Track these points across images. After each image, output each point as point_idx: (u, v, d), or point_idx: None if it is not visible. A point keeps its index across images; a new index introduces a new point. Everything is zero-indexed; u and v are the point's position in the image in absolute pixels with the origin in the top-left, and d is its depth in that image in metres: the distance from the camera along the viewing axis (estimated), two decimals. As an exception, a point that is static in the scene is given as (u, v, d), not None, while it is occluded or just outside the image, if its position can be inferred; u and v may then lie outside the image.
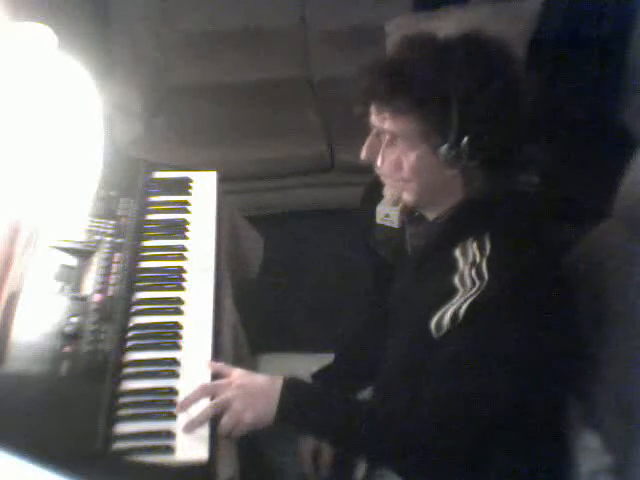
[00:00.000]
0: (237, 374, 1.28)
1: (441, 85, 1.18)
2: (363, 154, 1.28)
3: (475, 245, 1.23)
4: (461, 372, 1.19)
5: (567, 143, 2.72)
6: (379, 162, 1.28)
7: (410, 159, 1.24)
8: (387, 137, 1.25)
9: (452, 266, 1.23)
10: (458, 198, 1.27)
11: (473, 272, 1.20)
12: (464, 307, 1.18)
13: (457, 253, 1.24)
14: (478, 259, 1.21)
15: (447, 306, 1.20)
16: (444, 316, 1.20)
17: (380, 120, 1.25)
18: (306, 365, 1.59)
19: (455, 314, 1.19)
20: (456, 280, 1.22)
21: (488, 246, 1.21)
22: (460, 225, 1.27)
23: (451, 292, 1.21)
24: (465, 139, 1.19)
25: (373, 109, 1.27)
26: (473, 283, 1.19)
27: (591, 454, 1.32)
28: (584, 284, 1.38)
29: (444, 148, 1.20)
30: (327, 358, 1.64)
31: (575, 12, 3.06)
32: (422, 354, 1.24)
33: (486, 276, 1.19)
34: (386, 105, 1.23)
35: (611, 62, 3.09)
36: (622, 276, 1.33)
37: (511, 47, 1.26)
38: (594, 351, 1.33)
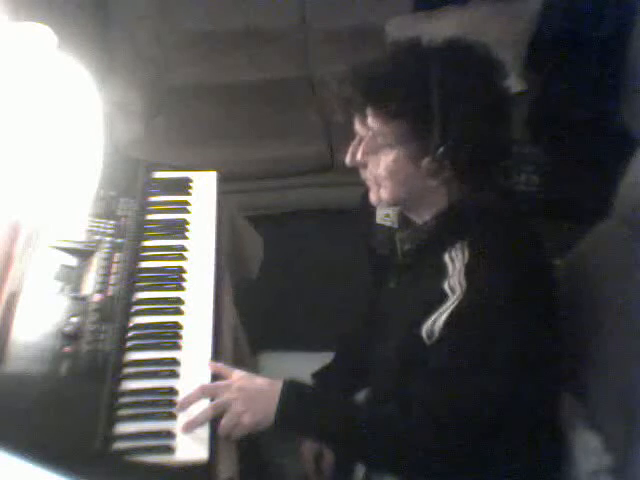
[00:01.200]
0: (237, 376, 1.28)
1: (421, 94, 1.18)
2: (348, 159, 1.30)
3: (457, 252, 1.22)
4: (454, 377, 1.19)
5: (567, 143, 2.72)
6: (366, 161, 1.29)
7: (387, 158, 1.25)
8: (369, 134, 1.26)
9: (441, 271, 1.23)
10: (444, 204, 1.27)
11: (455, 280, 1.20)
12: (444, 316, 1.18)
13: (446, 258, 1.24)
14: (458, 267, 1.21)
15: (438, 312, 1.20)
16: (436, 322, 1.20)
17: (362, 122, 1.26)
18: (306, 364, 1.59)
19: (446, 319, 1.18)
20: (446, 286, 1.21)
21: (466, 253, 1.21)
22: (448, 230, 1.26)
23: (441, 298, 1.21)
24: (445, 149, 1.19)
25: (356, 116, 1.28)
26: (458, 289, 1.19)
27: (591, 454, 1.32)
28: (584, 284, 1.38)
29: (426, 160, 1.21)
30: (327, 357, 1.64)
31: (575, 12, 3.06)
32: (414, 357, 1.24)
33: (464, 284, 1.19)
34: (363, 111, 1.24)
35: (611, 62, 3.08)
36: (622, 276, 1.33)
37: (495, 53, 1.26)
38: (594, 351, 1.33)
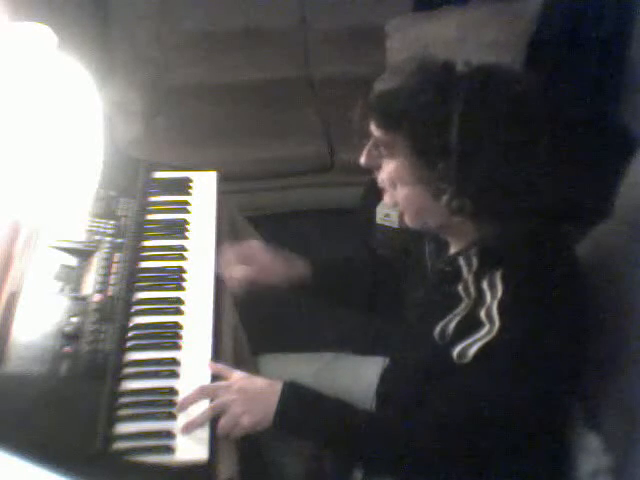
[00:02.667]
0: (237, 377, 1.28)
1: (434, 138, 1.13)
2: (363, 160, 1.27)
3: (494, 282, 1.19)
4: (469, 394, 1.19)
5: (567, 143, 2.71)
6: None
7: (403, 190, 1.22)
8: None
9: (478, 297, 1.20)
10: (475, 237, 1.23)
11: (489, 311, 1.17)
12: (477, 345, 1.16)
13: (484, 286, 1.20)
14: (489, 299, 1.18)
15: (472, 338, 1.18)
16: (470, 347, 1.17)
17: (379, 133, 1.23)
18: (306, 365, 1.59)
19: (477, 350, 1.16)
20: (482, 313, 1.18)
21: (500, 287, 1.17)
22: (481, 262, 1.22)
23: (477, 324, 1.18)
24: (463, 186, 1.14)
25: (372, 120, 1.25)
26: (488, 323, 1.17)
27: (591, 454, 1.32)
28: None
29: (444, 198, 1.17)
30: (327, 357, 1.64)
31: (575, 12, 3.06)
32: (435, 371, 1.23)
33: (497, 321, 1.16)
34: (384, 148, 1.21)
35: (611, 62, 3.08)
36: (622, 276, 1.33)
37: (530, 82, 1.19)
38: (594, 351, 1.33)
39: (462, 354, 1.18)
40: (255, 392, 1.25)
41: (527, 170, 1.17)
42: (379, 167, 1.26)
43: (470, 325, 1.18)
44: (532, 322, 1.16)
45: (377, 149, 1.26)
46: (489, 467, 1.25)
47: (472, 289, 1.21)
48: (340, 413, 1.27)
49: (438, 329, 1.23)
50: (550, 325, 1.17)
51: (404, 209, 1.25)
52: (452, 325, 1.22)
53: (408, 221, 1.26)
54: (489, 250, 1.22)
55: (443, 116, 1.13)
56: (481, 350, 1.16)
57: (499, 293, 1.17)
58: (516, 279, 1.18)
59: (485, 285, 1.20)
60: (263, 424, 1.24)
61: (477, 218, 1.21)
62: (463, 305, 1.22)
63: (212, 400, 1.25)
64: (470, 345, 1.17)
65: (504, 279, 1.18)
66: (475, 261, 1.23)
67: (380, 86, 1.21)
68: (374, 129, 1.24)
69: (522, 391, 1.17)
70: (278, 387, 1.25)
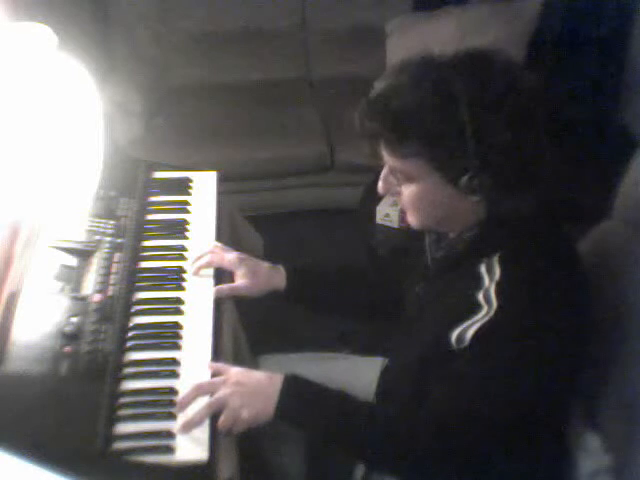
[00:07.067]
0: (234, 371, 1.28)
1: (447, 123, 1.14)
2: (380, 189, 1.27)
3: (492, 265, 1.20)
4: (467, 389, 1.19)
5: (567, 143, 2.71)
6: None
7: (409, 190, 1.22)
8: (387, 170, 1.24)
9: (475, 282, 1.21)
10: (480, 217, 1.24)
11: (487, 293, 1.18)
12: (475, 327, 1.17)
13: (482, 269, 1.21)
14: (487, 283, 1.19)
15: (471, 321, 1.18)
16: (467, 331, 1.18)
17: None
18: (306, 365, 1.59)
19: (474, 333, 1.17)
20: (480, 296, 1.19)
21: (498, 270, 1.19)
22: (485, 242, 1.23)
23: (474, 308, 1.19)
24: (483, 164, 1.15)
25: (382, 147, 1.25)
26: (485, 305, 1.18)
27: (591, 454, 1.32)
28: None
29: (464, 179, 1.17)
30: (327, 357, 1.64)
31: (575, 12, 3.06)
32: (437, 360, 1.23)
33: (494, 303, 1.17)
34: (392, 151, 1.21)
35: (611, 62, 3.09)
36: (622, 276, 1.33)
37: (516, 62, 1.22)
38: (594, 351, 1.33)
39: (460, 338, 1.18)
40: (253, 386, 1.25)
41: (534, 134, 1.18)
42: (400, 193, 1.25)
43: (468, 308, 1.19)
44: (530, 304, 1.17)
45: (393, 175, 1.25)
46: (489, 467, 1.25)
47: (470, 273, 1.22)
48: (341, 408, 1.26)
49: (439, 315, 1.24)
50: (548, 309, 1.17)
51: (412, 207, 1.24)
52: (452, 310, 1.22)
53: (414, 220, 1.26)
54: (487, 233, 1.23)
55: (448, 102, 1.14)
56: (479, 332, 1.17)
57: (497, 276, 1.18)
58: (514, 262, 1.19)
59: (483, 268, 1.21)
60: (263, 417, 1.23)
61: (492, 194, 1.20)
62: (462, 290, 1.22)
63: (211, 397, 1.25)
64: (468, 327, 1.18)
65: (502, 262, 1.19)
66: (473, 244, 1.24)
67: (379, 86, 1.21)
68: (386, 157, 1.23)
69: (521, 378, 1.17)
70: (277, 379, 1.25)
